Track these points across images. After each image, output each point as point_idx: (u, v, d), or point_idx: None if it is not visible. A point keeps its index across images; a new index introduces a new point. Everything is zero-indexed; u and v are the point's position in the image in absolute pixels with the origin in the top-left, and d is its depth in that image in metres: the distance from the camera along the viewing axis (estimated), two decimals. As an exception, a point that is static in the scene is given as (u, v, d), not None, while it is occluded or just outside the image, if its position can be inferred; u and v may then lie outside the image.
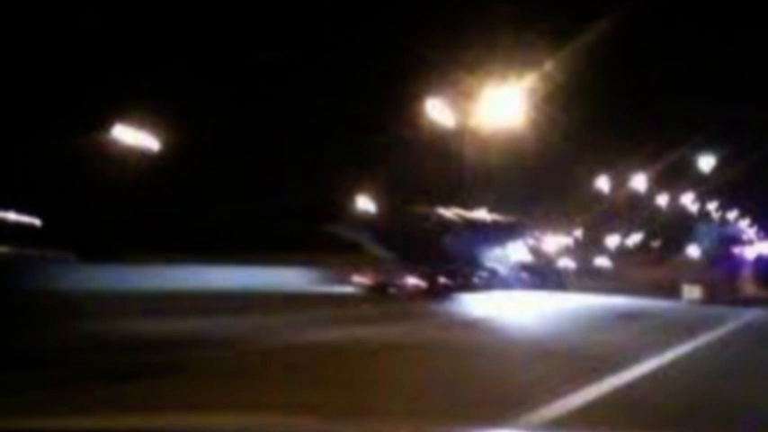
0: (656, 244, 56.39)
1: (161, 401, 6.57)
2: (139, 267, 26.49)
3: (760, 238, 58.68)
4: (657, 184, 50.27)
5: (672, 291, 32.91)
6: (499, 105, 29.12)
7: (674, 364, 10.30)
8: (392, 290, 28.43)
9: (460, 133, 31.52)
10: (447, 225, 34.25)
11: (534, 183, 38.14)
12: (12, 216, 29.35)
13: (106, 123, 27.59)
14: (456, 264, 31.81)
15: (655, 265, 43.40)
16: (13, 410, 5.51)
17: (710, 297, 31.75)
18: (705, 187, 52.74)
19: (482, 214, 36.75)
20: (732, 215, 64.67)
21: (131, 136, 28.41)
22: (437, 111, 31.01)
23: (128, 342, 10.78)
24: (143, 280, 24.25)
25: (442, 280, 29.89)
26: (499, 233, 37.72)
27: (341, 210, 35.66)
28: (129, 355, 9.55)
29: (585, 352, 11.45)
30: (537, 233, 45.20)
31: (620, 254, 52.08)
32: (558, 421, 6.14)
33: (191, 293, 21.52)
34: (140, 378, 7.84)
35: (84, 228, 28.72)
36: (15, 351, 9.35)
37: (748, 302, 29.88)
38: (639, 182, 48.43)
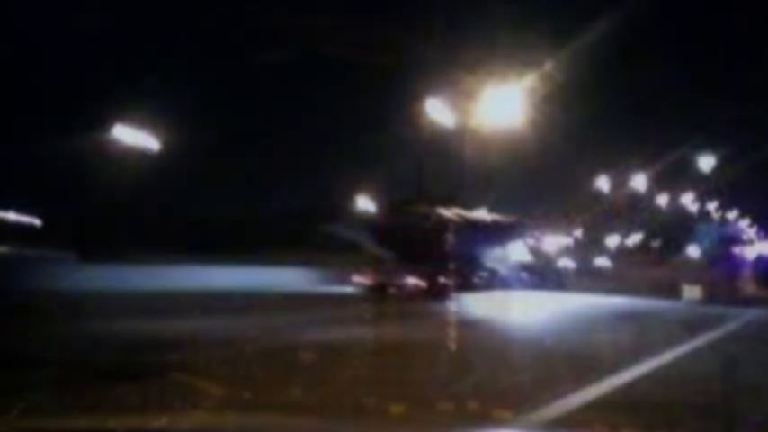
0: (656, 244, 56.30)
1: (161, 401, 6.57)
2: (139, 267, 26.45)
3: (760, 238, 58.64)
4: (657, 184, 50.28)
5: (672, 291, 32.87)
6: (499, 105, 29.10)
7: (674, 364, 10.30)
8: (392, 290, 28.39)
9: (460, 133, 31.50)
10: (447, 225, 34.19)
11: (534, 183, 38.18)
12: (12, 216, 29.31)
13: (106, 123, 27.62)
14: (456, 264, 31.77)
15: (655, 265, 43.29)
16: (13, 410, 5.51)
17: (710, 297, 31.68)
18: (705, 187, 52.76)
19: (482, 214, 36.71)
20: (732, 215, 64.61)
21: (131, 136, 28.41)
22: (437, 111, 31.00)
23: (128, 342, 10.78)
24: (143, 280, 24.21)
25: (442, 280, 29.84)
26: (499, 233, 37.64)
27: (341, 210, 35.63)
28: (129, 355, 9.55)
29: (585, 352, 11.45)
30: (537, 233, 45.16)
31: (620, 254, 51.99)
32: (558, 421, 6.14)
33: (191, 293, 21.49)
34: (140, 378, 7.83)
35: (84, 228, 28.69)
36: (15, 351, 9.34)
37: (748, 302, 29.84)
38: (639, 182, 48.45)
